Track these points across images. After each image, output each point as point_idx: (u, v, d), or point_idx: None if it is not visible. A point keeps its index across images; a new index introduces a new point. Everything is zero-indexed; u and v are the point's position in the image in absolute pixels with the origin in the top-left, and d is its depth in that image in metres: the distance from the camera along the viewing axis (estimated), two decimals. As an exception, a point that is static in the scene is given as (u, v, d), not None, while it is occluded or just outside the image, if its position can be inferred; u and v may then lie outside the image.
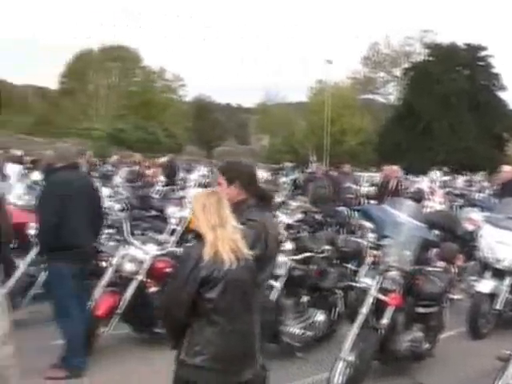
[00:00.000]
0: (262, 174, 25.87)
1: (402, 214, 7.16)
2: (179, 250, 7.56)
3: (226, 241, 3.91)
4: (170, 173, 21.06)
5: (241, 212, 4.30)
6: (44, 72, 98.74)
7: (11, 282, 7.70)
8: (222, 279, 3.86)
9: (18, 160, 24.61)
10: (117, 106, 61.73)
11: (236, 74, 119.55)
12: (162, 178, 18.80)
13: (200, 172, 23.16)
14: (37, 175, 14.93)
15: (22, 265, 8.19)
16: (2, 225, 6.33)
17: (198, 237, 3.99)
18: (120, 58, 63.69)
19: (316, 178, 17.61)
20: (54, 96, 66.84)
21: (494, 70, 60.25)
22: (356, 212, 13.72)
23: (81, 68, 63.14)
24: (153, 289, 7.56)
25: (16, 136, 44.72)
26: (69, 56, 65.59)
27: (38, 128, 54.64)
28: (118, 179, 16.81)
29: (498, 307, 8.62)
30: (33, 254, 8.33)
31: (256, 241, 4.31)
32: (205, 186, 18.27)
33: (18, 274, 8.05)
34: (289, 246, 7.81)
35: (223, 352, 3.92)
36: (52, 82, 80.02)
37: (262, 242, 4.35)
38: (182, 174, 22.63)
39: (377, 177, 23.19)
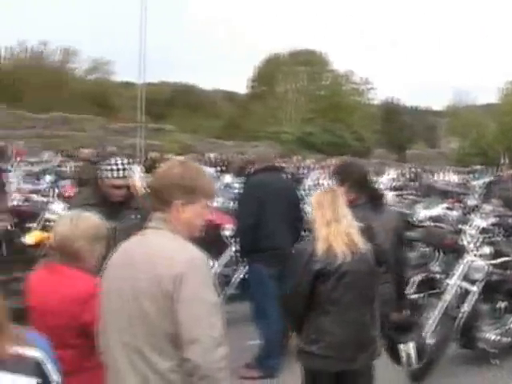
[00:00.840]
0: (452, 177, 25.05)
1: None
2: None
3: (339, 235, 4.17)
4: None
5: (352, 210, 4.41)
6: (232, 77, 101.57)
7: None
8: (335, 272, 4.13)
9: (211, 163, 25.50)
10: (305, 110, 62.17)
11: (425, 77, 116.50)
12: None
13: (389, 175, 22.81)
14: (228, 178, 15.28)
15: (217, 265, 8.37)
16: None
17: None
18: (308, 62, 64.15)
19: (501, 181, 16.90)
20: (242, 100, 68.52)
21: None
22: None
23: (270, 72, 64.09)
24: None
25: (207, 140, 46.30)
26: (256, 61, 67.12)
27: (228, 132, 56.22)
28: (309, 182, 16.86)
29: None
30: (228, 255, 8.52)
31: None
32: (394, 189, 17.93)
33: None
34: (486, 250, 7.49)
35: (338, 340, 4.18)
36: (241, 87, 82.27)
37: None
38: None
39: None
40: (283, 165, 19.36)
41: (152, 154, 25.76)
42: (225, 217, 9.68)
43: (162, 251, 2.77)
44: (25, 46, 53.99)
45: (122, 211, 5.12)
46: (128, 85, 63.29)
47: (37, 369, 2.18)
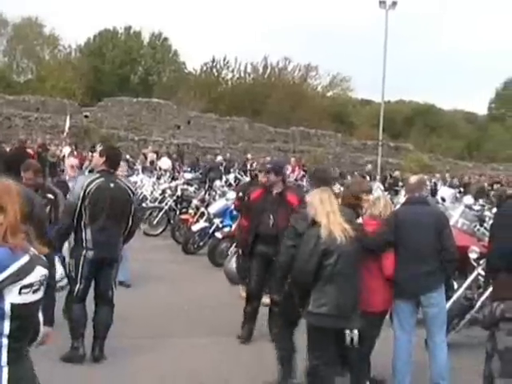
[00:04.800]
0: None
1: None
2: None
3: (336, 224, 5.52)
4: None
5: None
6: (472, 97, 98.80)
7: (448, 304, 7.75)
8: (335, 251, 5.46)
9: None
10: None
11: None
12: None
13: None
14: (469, 199, 14.99)
15: (461, 288, 8.25)
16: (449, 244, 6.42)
17: (315, 222, 5.60)
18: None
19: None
20: (482, 121, 66.70)
21: None
22: None
23: (509, 95, 62.08)
24: None
25: (446, 160, 45.40)
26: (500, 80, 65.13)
27: (467, 153, 54.78)
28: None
29: None
30: (472, 277, 8.37)
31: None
32: None
33: (455, 296, 8.12)
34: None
35: (341, 303, 5.48)
36: (480, 108, 79.78)
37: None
38: None
39: None
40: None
41: (396, 173, 26.05)
42: (471, 239, 9.54)
43: None
44: (267, 61, 56.48)
45: None
46: (366, 102, 64.03)
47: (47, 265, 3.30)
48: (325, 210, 5.56)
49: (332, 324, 5.50)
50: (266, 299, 9.58)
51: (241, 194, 10.28)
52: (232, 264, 8.94)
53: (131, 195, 7.12)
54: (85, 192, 6.75)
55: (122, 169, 10.82)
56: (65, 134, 30.08)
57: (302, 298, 5.69)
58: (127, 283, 10.00)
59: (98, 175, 6.99)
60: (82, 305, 6.91)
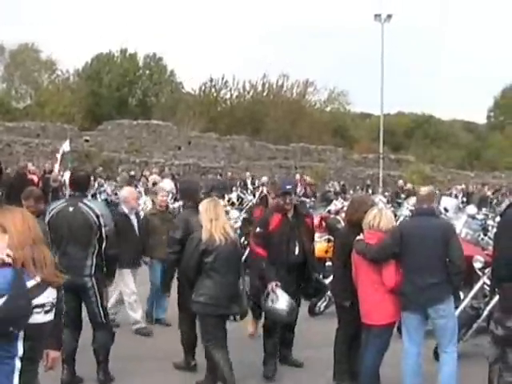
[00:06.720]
0: None
1: None
2: None
3: (218, 228, 6.57)
4: None
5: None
6: (471, 107, 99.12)
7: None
8: (214, 251, 6.52)
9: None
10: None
11: None
12: None
13: None
14: (472, 209, 14.95)
15: (467, 298, 8.25)
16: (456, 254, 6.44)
17: (201, 227, 6.65)
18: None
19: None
20: (482, 130, 66.79)
21: None
22: None
23: (508, 103, 62.15)
24: None
25: (447, 170, 45.41)
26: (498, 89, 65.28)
27: (468, 162, 54.81)
28: None
29: None
30: (478, 287, 8.37)
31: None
32: None
33: (462, 306, 8.12)
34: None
35: (217, 294, 6.55)
36: (479, 117, 79.98)
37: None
38: None
39: None
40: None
41: (409, 186, 26.18)
42: (475, 248, 9.55)
43: None
44: (266, 79, 56.50)
45: None
46: (365, 115, 64.14)
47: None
48: (208, 216, 6.60)
49: (210, 311, 6.58)
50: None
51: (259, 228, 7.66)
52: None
53: (96, 218, 6.74)
54: (49, 218, 6.85)
55: (163, 193, 10.11)
56: (58, 158, 28.51)
57: (191, 288, 6.73)
58: (165, 322, 9.84)
59: (63, 200, 7.21)
60: (66, 331, 6.48)
